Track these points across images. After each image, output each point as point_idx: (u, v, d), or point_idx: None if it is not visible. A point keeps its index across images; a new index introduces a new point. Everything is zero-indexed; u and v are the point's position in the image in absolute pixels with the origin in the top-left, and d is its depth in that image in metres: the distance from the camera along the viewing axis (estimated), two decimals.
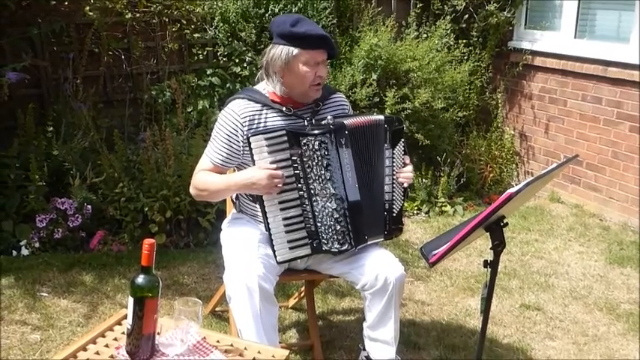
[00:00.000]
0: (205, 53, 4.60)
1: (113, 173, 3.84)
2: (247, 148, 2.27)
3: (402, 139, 2.49)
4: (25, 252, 3.67)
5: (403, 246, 4.03)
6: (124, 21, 4.21)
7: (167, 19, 4.39)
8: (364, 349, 2.55)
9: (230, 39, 4.53)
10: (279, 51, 2.32)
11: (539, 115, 5.22)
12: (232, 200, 2.60)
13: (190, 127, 4.18)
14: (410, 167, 2.51)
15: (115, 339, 1.91)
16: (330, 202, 2.31)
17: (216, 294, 3.00)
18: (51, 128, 3.98)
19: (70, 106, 4.08)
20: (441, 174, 4.81)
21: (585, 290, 3.58)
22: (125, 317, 1.85)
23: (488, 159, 5.12)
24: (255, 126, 2.36)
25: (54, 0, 4.04)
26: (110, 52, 4.25)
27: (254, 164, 2.27)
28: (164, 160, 3.84)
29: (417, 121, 4.68)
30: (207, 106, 4.43)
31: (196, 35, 4.49)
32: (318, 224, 2.33)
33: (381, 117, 2.45)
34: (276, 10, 4.32)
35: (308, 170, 2.29)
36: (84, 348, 1.85)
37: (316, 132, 2.28)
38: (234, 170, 2.46)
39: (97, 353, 1.83)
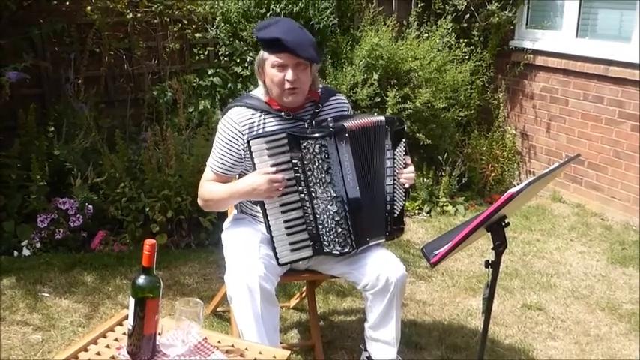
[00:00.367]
0: (206, 53, 4.60)
1: (114, 173, 3.85)
2: (248, 153, 2.27)
3: (403, 140, 2.48)
4: (26, 252, 3.67)
5: (404, 246, 4.03)
6: (125, 21, 4.21)
7: (168, 19, 4.39)
8: (365, 350, 2.54)
9: (231, 39, 4.53)
10: (258, 55, 2.37)
11: (540, 114, 5.22)
12: None
13: (192, 127, 4.18)
14: (411, 168, 2.51)
15: (116, 339, 1.91)
16: (331, 205, 2.31)
17: (217, 294, 3.00)
18: (52, 128, 3.98)
19: (71, 106, 4.08)
20: (443, 174, 4.81)
21: (587, 290, 3.58)
22: (126, 317, 1.85)
23: (490, 159, 5.12)
24: (254, 132, 2.36)
25: (55, 0, 4.05)
26: (111, 52, 4.25)
27: (254, 168, 2.27)
28: (165, 160, 3.84)
29: (418, 121, 4.67)
30: (209, 106, 4.43)
31: (197, 35, 4.49)
32: (320, 226, 2.33)
33: (382, 118, 2.44)
34: (277, 10, 4.32)
35: (309, 173, 2.29)
36: (85, 348, 1.85)
37: (317, 135, 2.27)
38: (237, 178, 2.47)
39: (99, 354, 1.83)
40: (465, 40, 5.03)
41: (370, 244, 2.43)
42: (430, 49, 4.82)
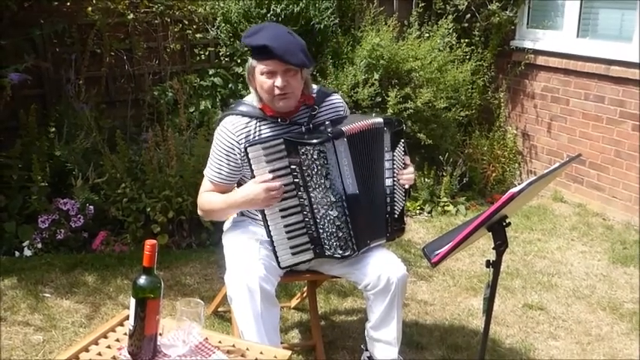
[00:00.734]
0: (207, 53, 4.60)
1: (115, 174, 3.85)
2: (246, 161, 2.26)
3: (402, 140, 2.47)
4: (27, 253, 3.67)
5: (405, 246, 4.03)
6: (126, 21, 4.22)
7: (169, 20, 4.40)
8: (367, 350, 2.54)
9: (232, 39, 4.53)
10: (247, 62, 2.35)
11: (541, 114, 5.21)
12: None
13: (192, 128, 4.18)
14: (411, 169, 2.50)
15: (117, 340, 1.91)
16: (332, 210, 2.30)
17: (218, 294, 3.00)
18: (53, 129, 3.99)
19: (72, 107, 4.09)
20: (444, 173, 4.81)
21: (588, 290, 3.58)
22: (127, 318, 1.85)
23: (491, 158, 5.11)
24: (251, 140, 2.34)
25: (56, 1, 4.05)
26: (112, 53, 4.26)
27: (253, 175, 2.26)
28: (166, 160, 3.84)
29: (419, 121, 4.67)
30: (210, 107, 4.43)
31: (198, 35, 4.49)
32: (320, 231, 2.33)
33: (380, 120, 2.42)
34: (278, 10, 4.32)
35: (308, 179, 2.27)
36: (86, 349, 1.85)
37: (315, 141, 2.24)
38: (236, 186, 2.47)
39: (100, 354, 1.83)
40: (466, 40, 5.03)
41: (371, 245, 2.43)
42: (431, 49, 4.81)
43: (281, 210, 2.30)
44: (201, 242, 3.92)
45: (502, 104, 5.34)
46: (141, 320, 1.73)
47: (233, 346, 1.90)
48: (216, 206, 2.41)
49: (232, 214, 2.55)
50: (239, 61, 4.55)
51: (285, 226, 2.31)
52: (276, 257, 2.32)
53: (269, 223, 2.30)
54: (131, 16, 4.16)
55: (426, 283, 3.59)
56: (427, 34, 5.03)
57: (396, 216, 2.48)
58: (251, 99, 2.41)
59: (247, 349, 1.91)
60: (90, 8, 4.01)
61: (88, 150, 3.97)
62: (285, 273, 2.40)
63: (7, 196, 3.76)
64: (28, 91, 4.05)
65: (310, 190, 2.29)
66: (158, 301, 1.74)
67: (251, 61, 2.31)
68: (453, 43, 4.98)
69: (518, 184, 2.30)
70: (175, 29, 4.40)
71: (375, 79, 4.53)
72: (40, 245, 3.69)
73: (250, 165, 2.25)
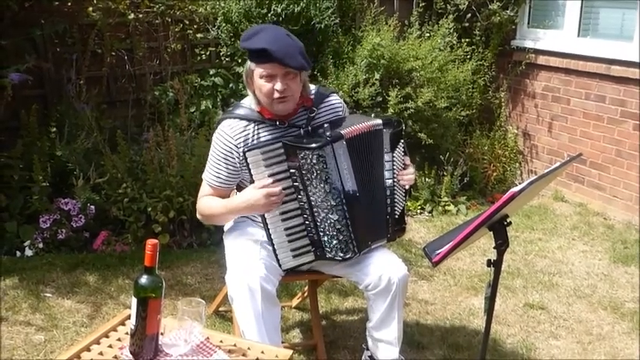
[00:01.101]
0: (208, 53, 4.60)
1: (116, 174, 3.85)
2: (244, 164, 2.25)
3: (402, 141, 2.47)
4: (28, 253, 3.68)
5: (406, 245, 4.03)
6: (126, 21, 4.22)
7: (170, 20, 4.40)
8: (367, 349, 2.55)
9: (233, 39, 4.53)
10: (245, 65, 2.33)
11: (542, 113, 5.21)
12: None
13: (193, 128, 4.19)
14: (411, 169, 2.49)
15: (119, 339, 1.91)
16: (332, 214, 2.29)
17: (219, 294, 3.01)
18: (54, 129, 3.99)
19: (73, 107, 4.09)
20: (444, 173, 4.81)
21: (589, 289, 3.58)
22: (129, 317, 1.85)
23: (492, 158, 5.11)
24: (249, 144, 2.33)
25: (57, 1, 4.05)
26: (113, 53, 4.26)
27: (252, 179, 2.26)
28: (167, 160, 3.85)
29: (420, 121, 4.67)
30: (210, 107, 4.43)
31: (199, 35, 4.49)
32: (321, 234, 2.32)
33: (379, 121, 2.40)
34: (279, 10, 4.32)
35: (307, 182, 2.27)
36: (88, 348, 1.86)
37: (314, 145, 2.23)
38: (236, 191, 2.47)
39: (101, 354, 1.84)
40: (467, 40, 5.03)
41: (372, 247, 2.43)
42: (432, 49, 4.81)
43: (281, 213, 2.30)
44: (202, 242, 3.93)
45: (503, 104, 5.34)
46: (142, 320, 1.73)
47: (234, 345, 1.91)
48: (216, 211, 2.40)
49: (232, 219, 2.53)
50: (240, 60, 4.55)
51: (286, 229, 2.31)
52: (277, 260, 2.32)
53: (269, 226, 2.30)
54: (132, 16, 4.17)
55: (427, 282, 3.59)
56: (428, 34, 5.03)
57: (397, 216, 2.48)
58: (249, 102, 2.40)
59: (248, 348, 1.91)
60: (91, 8, 4.02)
61: (89, 150, 3.97)
62: (286, 273, 2.39)
63: (9, 196, 3.76)
64: (29, 91, 4.05)
65: (310, 193, 2.28)
66: (159, 300, 1.74)
67: (249, 64, 2.29)
68: (454, 42, 4.98)
69: (519, 183, 2.30)
70: (176, 29, 4.40)
71: (376, 79, 4.53)
72: (41, 245, 3.70)
73: (249, 169, 2.24)
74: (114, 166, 3.85)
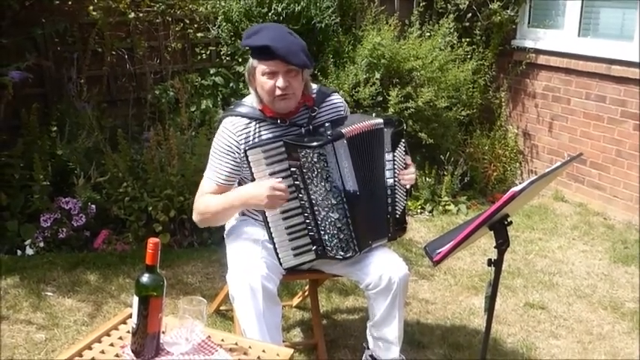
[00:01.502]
0: (208, 52, 4.61)
1: (117, 173, 3.85)
2: (246, 162, 2.25)
3: (403, 140, 2.47)
4: (29, 251, 3.68)
5: (407, 245, 4.03)
6: (127, 20, 4.22)
7: (170, 19, 4.40)
8: (368, 348, 2.55)
9: (233, 38, 4.54)
10: (248, 63, 2.33)
11: (542, 113, 5.21)
12: None
13: (194, 127, 4.19)
14: (412, 169, 2.50)
15: (120, 338, 1.91)
16: (333, 213, 2.30)
17: (220, 293, 3.01)
18: (55, 128, 3.99)
19: (73, 106, 4.09)
20: (445, 173, 4.81)
21: (589, 289, 3.58)
22: (130, 316, 1.86)
23: (492, 158, 5.11)
24: (251, 142, 2.33)
25: (57, 0, 4.05)
26: (114, 52, 4.26)
27: (253, 178, 2.26)
28: (168, 159, 3.85)
29: (420, 120, 4.67)
30: (211, 106, 4.44)
31: (199, 35, 4.49)
32: (322, 232, 2.32)
33: (380, 120, 2.41)
34: (279, 9, 4.32)
35: (308, 181, 2.27)
36: (89, 347, 1.86)
37: (315, 144, 2.23)
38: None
39: (102, 352, 1.84)
40: (467, 40, 5.03)
41: (373, 246, 2.43)
42: (432, 49, 4.81)
43: (282, 212, 2.30)
44: (202, 241, 3.93)
45: (503, 103, 5.34)
46: (144, 318, 1.73)
47: (235, 344, 1.91)
48: (214, 208, 2.34)
49: (230, 217, 2.49)
50: (240, 60, 4.55)
51: (287, 227, 2.31)
52: (278, 258, 2.32)
53: (270, 225, 2.30)
54: (132, 15, 4.17)
55: (428, 282, 3.59)
56: (428, 34, 5.03)
57: (398, 216, 2.48)
58: (251, 100, 2.40)
59: (250, 347, 1.91)
60: (91, 7, 4.02)
61: (89, 149, 3.97)
62: (287, 272, 2.40)
63: (9, 195, 3.77)
64: (29, 90, 4.05)
65: (311, 192, 2.28)
66: (161, 299, 1.74)
67: (252, 62, 2.30)
68: (454, 42, 4.99)
69: (519, 183, 2.30)
70: (176, 28, 4.41)
71: (376, 79, 4.53)
72: (42, 244, 3.70)
73: (250, 168, 2.24)
74: (115, 165, 3.85)
